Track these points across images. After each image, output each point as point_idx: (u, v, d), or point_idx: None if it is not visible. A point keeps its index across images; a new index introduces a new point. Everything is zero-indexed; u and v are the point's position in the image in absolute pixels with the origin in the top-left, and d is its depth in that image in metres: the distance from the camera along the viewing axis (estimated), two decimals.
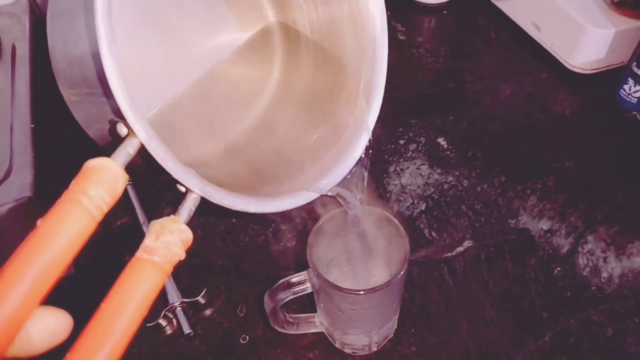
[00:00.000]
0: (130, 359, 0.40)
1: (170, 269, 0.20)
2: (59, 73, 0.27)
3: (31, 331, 0.17)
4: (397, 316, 0.40)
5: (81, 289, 0.40)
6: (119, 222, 0.48)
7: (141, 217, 0.47)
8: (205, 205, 0.24)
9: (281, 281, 0.36)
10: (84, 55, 0.24)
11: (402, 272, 0.34)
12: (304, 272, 0.36)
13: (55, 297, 0.18)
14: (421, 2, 0.68)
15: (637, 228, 0.46)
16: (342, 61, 0.34)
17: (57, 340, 0.18)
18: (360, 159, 0.32)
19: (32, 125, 0.42)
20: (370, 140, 0.32)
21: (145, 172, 0.25)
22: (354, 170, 0.32)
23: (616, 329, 0.40)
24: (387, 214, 0.37)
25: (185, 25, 0.34)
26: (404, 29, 0.66)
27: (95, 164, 0.20)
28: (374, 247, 0.39)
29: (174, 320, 0.42)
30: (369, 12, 0.32)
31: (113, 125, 0.23)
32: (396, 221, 0.36)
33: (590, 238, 0.46)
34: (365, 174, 0.33)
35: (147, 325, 0.41)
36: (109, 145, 0.25)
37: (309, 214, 0.49)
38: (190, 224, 0.22)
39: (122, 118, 0.22)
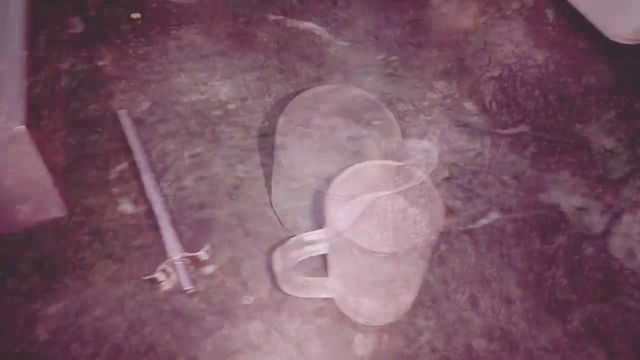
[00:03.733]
0: (124, 312, 0.37)
1: None
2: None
3: None
4: (418, 288, 0.37)
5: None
6: (117, 168, 0.44)
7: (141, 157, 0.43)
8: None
9: (294, 238, 0.32)
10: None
11: (429, 239, 0.30)
12: (321, 230, 0.32)
13: None
14: None
15: None
16: None
17: None
18: None
19: (26, 52, 0.38)
20: None
21: None
22: None
23: None
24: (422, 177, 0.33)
25: None
26: None
27: None
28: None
29: (173, 275, 0.38)
30: None
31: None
32: (431, 184, 0.32)
33: (626, 219, 0.43)
34: None
35: (143, 278, 0.38)
36: None
37: None
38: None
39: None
